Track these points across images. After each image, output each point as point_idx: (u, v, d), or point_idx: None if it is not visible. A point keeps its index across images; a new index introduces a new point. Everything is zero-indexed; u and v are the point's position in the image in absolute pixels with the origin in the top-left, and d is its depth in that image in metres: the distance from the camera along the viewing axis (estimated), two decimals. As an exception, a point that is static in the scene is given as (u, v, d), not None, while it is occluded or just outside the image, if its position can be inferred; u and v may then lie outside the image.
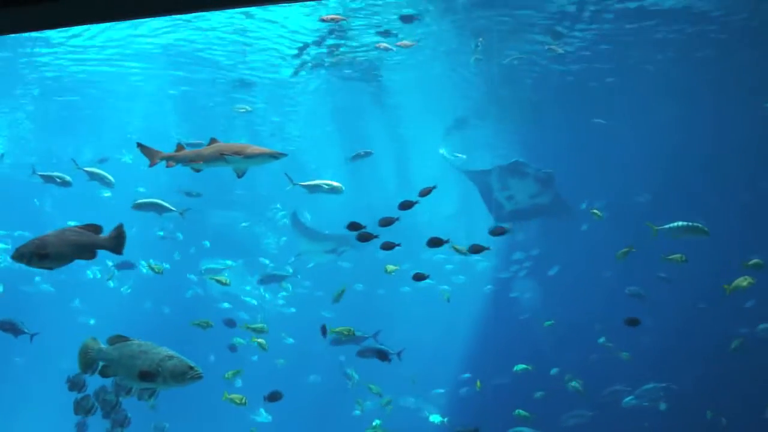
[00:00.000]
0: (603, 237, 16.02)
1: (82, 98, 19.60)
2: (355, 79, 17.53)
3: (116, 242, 5.98)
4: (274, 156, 8.15)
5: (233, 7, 2.82)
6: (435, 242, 10.05)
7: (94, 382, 10.27)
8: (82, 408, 10.15)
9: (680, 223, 11.03)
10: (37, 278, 22.03)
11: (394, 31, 14.32)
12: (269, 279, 18.97)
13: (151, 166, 8.42)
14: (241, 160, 8.08)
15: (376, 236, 10.05)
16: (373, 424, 16.28)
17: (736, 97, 16.18)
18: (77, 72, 17.86)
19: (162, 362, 5.84)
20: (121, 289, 21.90)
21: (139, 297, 22.36)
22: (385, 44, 14.61)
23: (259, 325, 13.83)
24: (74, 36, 15.75)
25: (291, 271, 19.61)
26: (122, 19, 2.75)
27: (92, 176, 14.35)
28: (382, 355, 11.19)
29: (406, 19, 13.91)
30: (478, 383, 14.58)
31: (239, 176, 8.34)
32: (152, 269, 16.11)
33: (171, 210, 13.42)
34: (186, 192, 17.05)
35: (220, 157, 8.06)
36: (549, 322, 15.75)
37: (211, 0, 2.67)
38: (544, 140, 19.24)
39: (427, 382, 18.23)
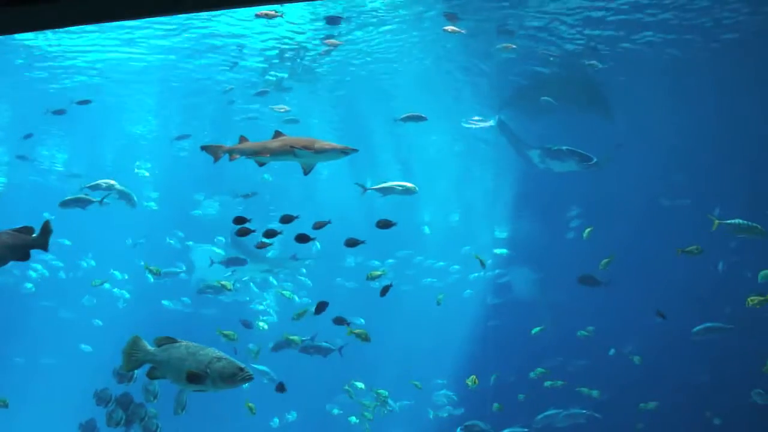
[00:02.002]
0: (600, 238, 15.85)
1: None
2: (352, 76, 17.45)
3: (43, 240, 6.15)
4: (345, 152, 7.87)
5: (233, 7, 2.82)
6: (351, 242, 9.70)
7: (116, 389, 10.64)
8: (113, 420, 10.41)
9: (739, 221, 11.00)
10: (32, 275, 21.91)
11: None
12: (206, 290, 18.30)
13: (215, 162, 8.31)
14: (312, 155, 7.78)
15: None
16: (350, 420, 16.35)
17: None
18: (78, 73, 17.84)
19: (211, 364, 5.69)
20: (118, 304, 21.53)
21: (142, 299, 22.25)
22: (331, 41, 14.46)
23: (296, 337, 13.96)
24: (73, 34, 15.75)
25: (231, 282, 19.32)
26: (123, 19, 2.76)
27: (121, 195, 14.56)
28: (340, 321, 11.04)
29: (331, 20, 13.68)
30: (474, 379, 14.49)
31: (306, 173, 8.02)
32: (150, 271, 16.12)
33: (93, 201, 13.45)
34: (243, 194, 17.13)
35: (290, 151, 7.79)
36: (536, 329, 15.52)
37: (212, 0, 2.67)
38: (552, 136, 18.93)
39: (423, 382, 18.17)
